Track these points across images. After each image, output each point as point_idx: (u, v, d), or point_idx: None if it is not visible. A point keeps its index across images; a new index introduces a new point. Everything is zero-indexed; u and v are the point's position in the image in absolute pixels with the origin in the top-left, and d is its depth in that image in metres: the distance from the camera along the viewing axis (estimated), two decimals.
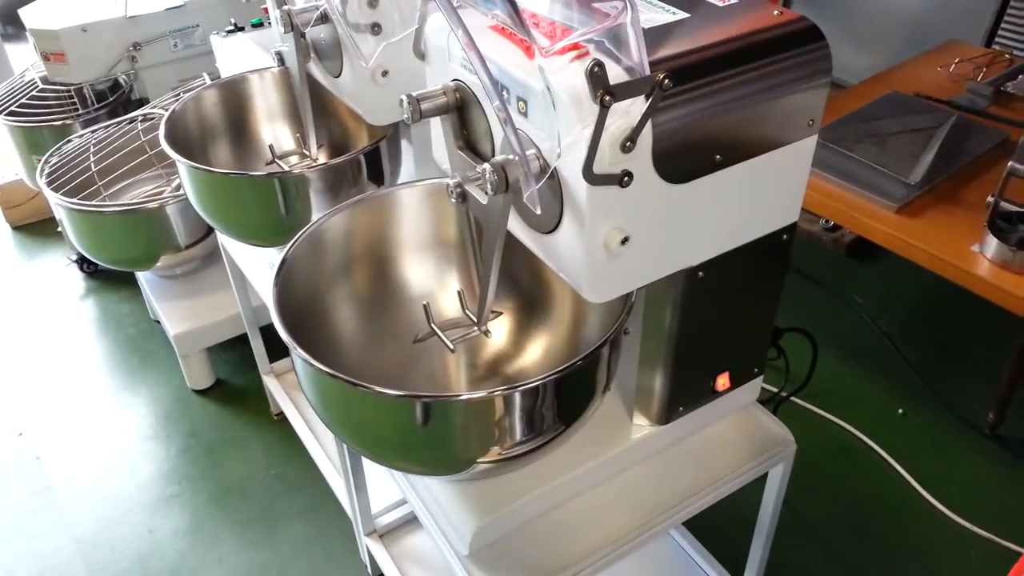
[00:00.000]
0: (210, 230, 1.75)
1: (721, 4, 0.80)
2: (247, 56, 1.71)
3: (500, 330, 0.95)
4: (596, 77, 0.60)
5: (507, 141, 0.72)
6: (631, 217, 0.70)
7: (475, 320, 0.88)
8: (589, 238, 0.69)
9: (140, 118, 1.70)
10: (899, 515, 1.60)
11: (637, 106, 0.64)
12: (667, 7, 0.79)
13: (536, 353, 0.93)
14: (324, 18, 1.02)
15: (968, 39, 2.08)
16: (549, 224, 0.73)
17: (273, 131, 1.30)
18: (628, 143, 0.65)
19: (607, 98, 0.61)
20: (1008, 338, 1.54)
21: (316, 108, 1.16)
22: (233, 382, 1.88)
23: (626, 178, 0.67)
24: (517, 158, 0.68)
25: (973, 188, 1.47)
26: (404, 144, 1.20)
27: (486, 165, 0.69)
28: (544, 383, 0.70)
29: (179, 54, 2.03)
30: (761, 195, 0.80)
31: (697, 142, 0.71)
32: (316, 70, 1.11)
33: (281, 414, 1.75)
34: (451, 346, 0.86)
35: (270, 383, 1.70)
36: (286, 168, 1.19)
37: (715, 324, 0.88)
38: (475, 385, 0.93)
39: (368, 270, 0.96)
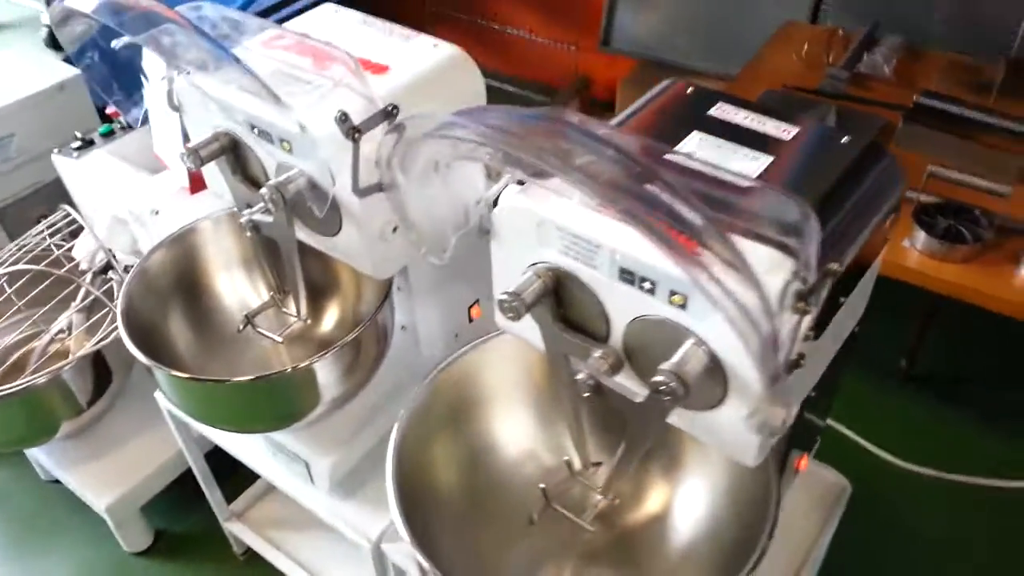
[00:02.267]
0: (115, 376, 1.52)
1: (785, 136, 0.79)
2: (112, 175, 1.48)
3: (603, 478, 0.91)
4: (802, 298, 0.58)
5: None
6: (794, 390, 0.69)
7: (596, 486, 0.84)
8: (759, 422, 0.67)
9: (5, 277, 1.42)
10: (845, 469, 1.76)
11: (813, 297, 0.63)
12: (743, 149, 0.77)
13: (659, 497, 0.90)
14: (313, 185, 0.90)
15: (792, 13, 2.24)
16: (707, 405, 0.70)
17: (233, 281, 1.13)
18: (810, 334, 0.64)
19: (806, 310, 0.59)
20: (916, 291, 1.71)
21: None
22: (175, 530, 1.67)
23: (801, 361, 0.66)
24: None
25: None
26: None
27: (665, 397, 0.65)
28: None
29: None
30: (855, 308, 0.82)
31: (834, 298, 0.72)
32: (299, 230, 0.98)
33: (247, 551, 1.59)
34: (590, 528, 0.81)
35: (236, 529, 1.53)
36: (266, 334, 1.05)
37: (812, 424, 0.91)
38: (615, 554, 0.88)
39: (467, 457, 0.89)
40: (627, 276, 0.68)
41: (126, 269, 1.42)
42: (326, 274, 1.12)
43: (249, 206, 0.99)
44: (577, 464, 0.88)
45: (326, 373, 0.95)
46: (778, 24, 2.17)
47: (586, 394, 0.73)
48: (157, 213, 1.32)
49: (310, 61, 0.93)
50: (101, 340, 1.38)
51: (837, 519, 1.12)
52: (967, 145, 1.59)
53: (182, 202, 1.32)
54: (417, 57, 0.93)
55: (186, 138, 1.10)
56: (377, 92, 0.86)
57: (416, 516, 0.83)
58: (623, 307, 0.71)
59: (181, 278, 1.08)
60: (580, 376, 0.73)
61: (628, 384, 0.75)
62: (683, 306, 0.66)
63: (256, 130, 0.89)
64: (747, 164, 0.75)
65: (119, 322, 0.96)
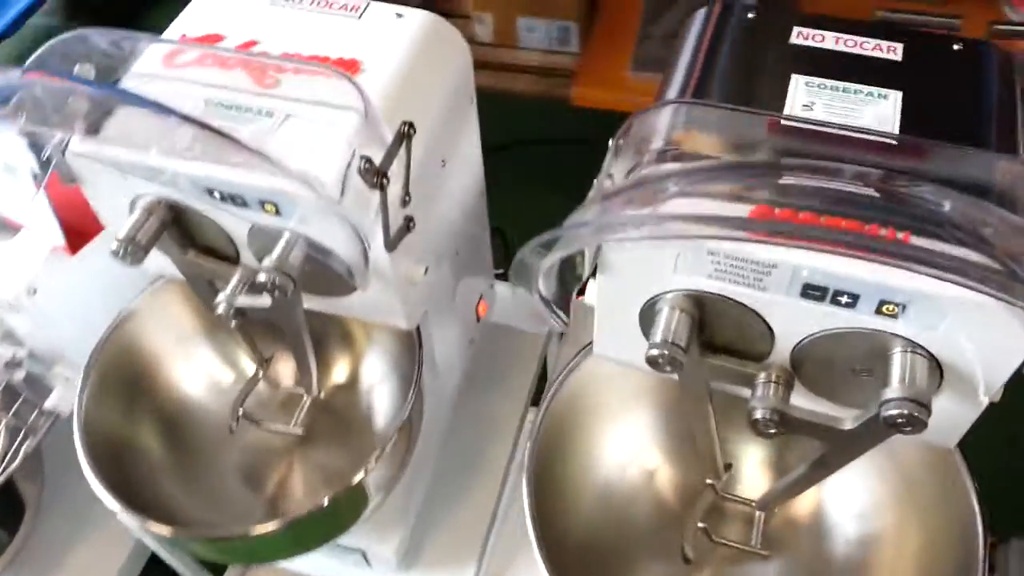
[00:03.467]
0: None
1: (895, 57, 0.66)
2: None
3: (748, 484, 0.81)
4: None
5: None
6: None
7: (755, 501, 0.74)
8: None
9: None
10: None
11: None
12: (863, 88, 0.63)
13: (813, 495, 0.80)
14: (321, 251, 0.68)
15: None
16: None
17: (199, 366, 0.88)
18: None
19: None
20: None
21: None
22: None
23: None
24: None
25: None
26: None
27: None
28: None
29: None
30: None
31: None
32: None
33: None
34: (764, 552, 0.71)
35: None
36: (275, 428, 0.84)
37: None
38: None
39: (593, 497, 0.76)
40: (814, 292, 0.55)
41: (7, 366, 1.10)
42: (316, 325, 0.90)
43: (211, 284, 0.76)
44: (709, 476, 0.77)
45: (375, 476, 0.76)
46: None
47: (772, 431, 0.61)
48: (35, 292, 1.01)
49: (243, 75, 0.69)
50: (7, 466, 1.09)
51: None
52: None
53: (64, 269, 1.01)
54: (388, 40, 0.71)
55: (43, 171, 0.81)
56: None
57: None
58: (798, 324, 0.58)
59: (135, 389, 0.83)
60: (758, 416, 0.60)
61: (804, 403, 0.63)
62: (895, 315, 0.55)
63: (217, 194, 0.65)
64: (881, 108, 0.62)
65: (92, 484, 0.72)
